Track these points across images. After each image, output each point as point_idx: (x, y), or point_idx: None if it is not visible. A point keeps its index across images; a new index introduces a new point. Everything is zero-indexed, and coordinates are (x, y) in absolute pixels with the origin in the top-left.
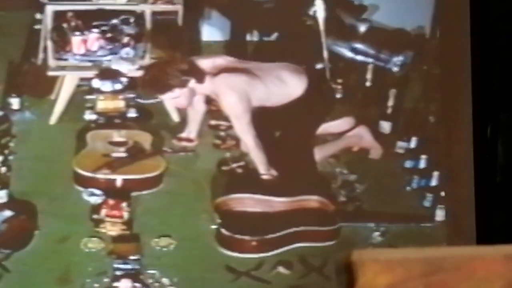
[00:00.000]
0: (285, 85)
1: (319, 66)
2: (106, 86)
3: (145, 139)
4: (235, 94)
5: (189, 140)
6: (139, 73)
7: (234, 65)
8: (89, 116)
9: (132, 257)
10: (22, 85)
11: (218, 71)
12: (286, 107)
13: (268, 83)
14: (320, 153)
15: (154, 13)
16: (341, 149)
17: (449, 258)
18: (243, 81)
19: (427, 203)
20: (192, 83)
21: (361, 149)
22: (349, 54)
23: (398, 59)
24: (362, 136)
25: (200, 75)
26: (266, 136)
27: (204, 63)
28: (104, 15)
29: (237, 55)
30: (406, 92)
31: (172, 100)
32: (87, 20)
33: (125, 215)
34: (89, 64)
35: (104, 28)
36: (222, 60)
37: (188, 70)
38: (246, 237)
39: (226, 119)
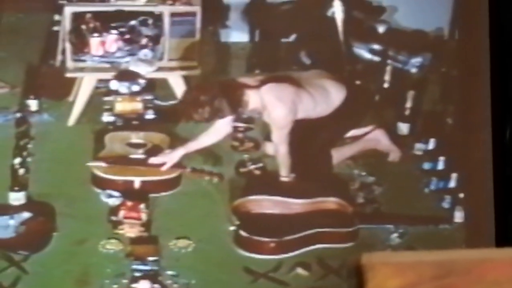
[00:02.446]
0: (327, 93)
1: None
2: (124, 87)
3: (163, 141)
4: (285, 107)
5: None
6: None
7: (277, 74)
8: (107, 118)
9: (150, 259)
10: (40, 87)
11: (263, 82)
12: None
13: (313, 93)
14: (336, 156)
15: (173, 15)
16: (357, 152)
17: (460, 261)
18: (292, 93)
19: (445, 205)
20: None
21: (380, 152)
22: (367, 55)
23: (416, 60)
24: (379, 140)
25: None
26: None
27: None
28: (122, 16)
29: (256, 56)
30: (424, 94)
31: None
32: (106, 21)
33: (143, 216)
34: (107, 65)
35: (122, 29)
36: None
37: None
38: (264, 239)
39: (244, 121)
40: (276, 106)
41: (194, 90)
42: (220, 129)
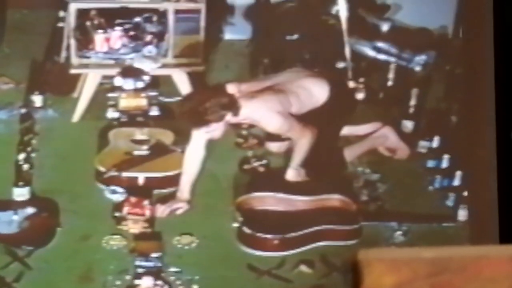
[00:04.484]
0: (309, 93)
1: (341, 65)
2: (129, 84)
3: (167, 137)
4: (278, 116)
5: None
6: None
7: (258, 87)
8: (111, 114)
9: (153, 255)
10: (45, 83)
11: (247, 96)
12: (313, 113)
13: (297, 94)
14: (348, 154)
15: (177, 11)
16: (367, 150)
17: (455, 258)
18: (279, 102)
19: (449, 203)
20: (229, 116)
21: (386, 150)
22: (371, 53)
23: (420, 58)
24: (388, 137)
25: (236, 108)
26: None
27: (230, 88)
28: (127, 13)
29: (260, 54)
30: (428, 92)
31: (205, 134)
32: (110, 18)
33: (147, 212)
34: (112, 62)
35: (127, 26)
36: (246, 85)
37: (227, 104)
38: (268, 236)
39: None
40: (271, 117)
41: (196, 92)
42: (196, 152)
